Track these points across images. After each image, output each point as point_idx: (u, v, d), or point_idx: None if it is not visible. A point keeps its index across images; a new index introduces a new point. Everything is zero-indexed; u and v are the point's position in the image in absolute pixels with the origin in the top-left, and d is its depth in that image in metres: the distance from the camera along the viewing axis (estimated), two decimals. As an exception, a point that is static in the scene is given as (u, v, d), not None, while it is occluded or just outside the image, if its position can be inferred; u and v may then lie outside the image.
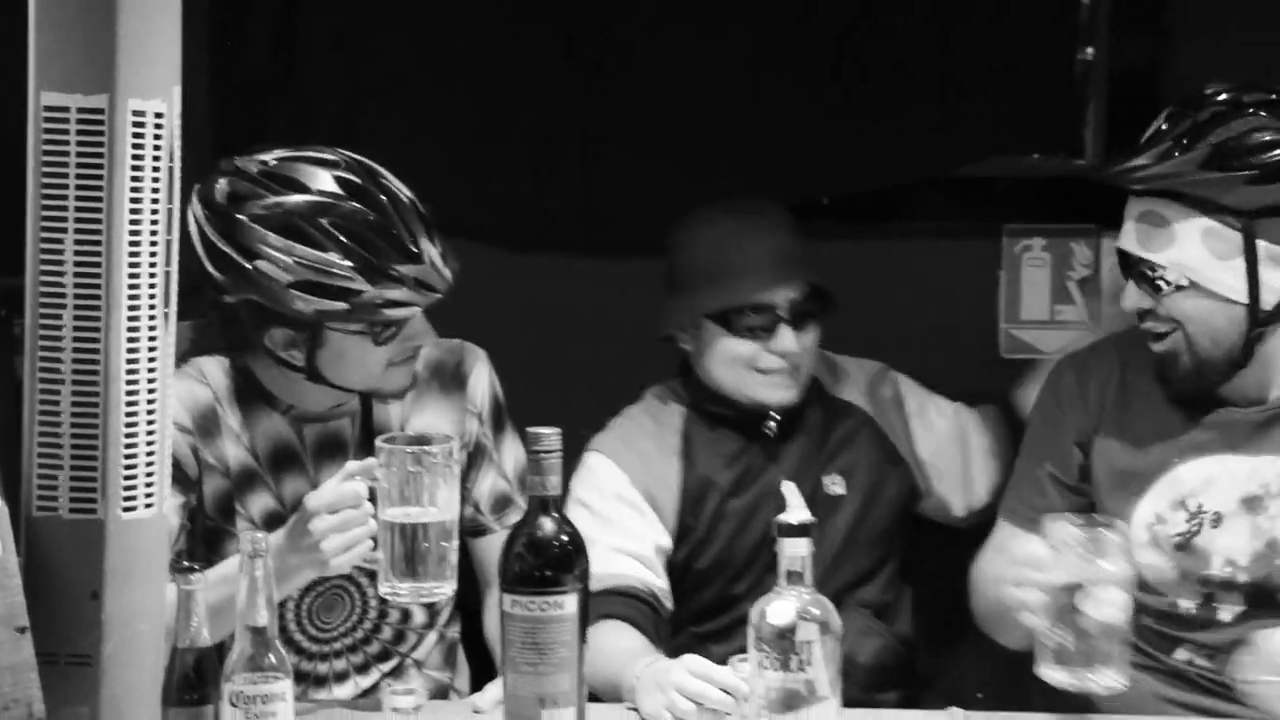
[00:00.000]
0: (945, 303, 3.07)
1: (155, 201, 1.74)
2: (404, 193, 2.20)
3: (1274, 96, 2.22)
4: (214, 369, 2.31)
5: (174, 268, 1.78)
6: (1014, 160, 3.05)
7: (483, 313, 2.47)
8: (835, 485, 2.54)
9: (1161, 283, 2.23)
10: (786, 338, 2.48)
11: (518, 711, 1.83)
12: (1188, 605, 2.28)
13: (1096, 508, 2.33)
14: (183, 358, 2.24)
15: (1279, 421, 2.26)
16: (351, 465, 2.09)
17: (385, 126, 2.99)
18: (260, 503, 2.30)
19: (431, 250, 2.19)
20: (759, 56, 3.01)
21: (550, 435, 1.85)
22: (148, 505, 1.75)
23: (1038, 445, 2.41)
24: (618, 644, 2.30)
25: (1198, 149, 2.18)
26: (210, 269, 2.20)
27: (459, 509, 2.05)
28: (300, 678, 2.33)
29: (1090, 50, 3.01)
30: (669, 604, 2.47)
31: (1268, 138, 2.19)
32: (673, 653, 2.34)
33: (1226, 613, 2.26)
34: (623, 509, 2.49)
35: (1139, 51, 2.98)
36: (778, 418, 2.53)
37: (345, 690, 2.37)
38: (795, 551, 1.82)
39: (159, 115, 1.73)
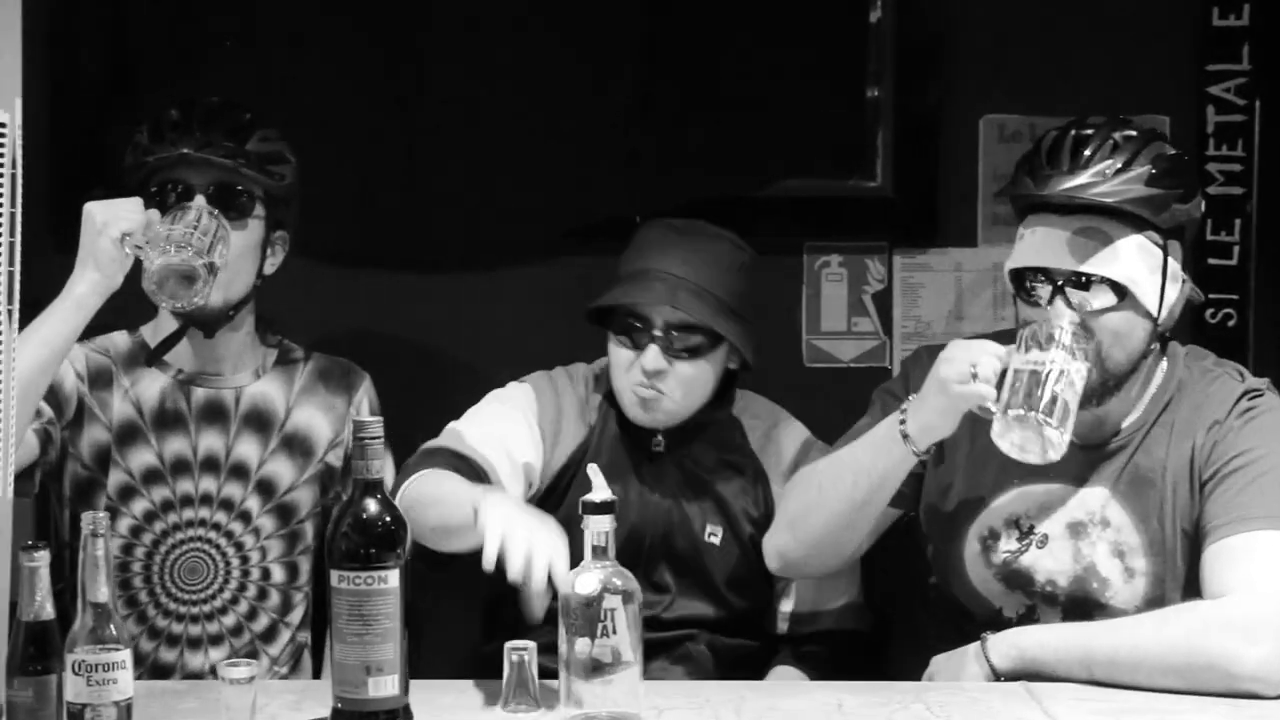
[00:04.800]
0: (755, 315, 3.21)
1: (-1, 206, 1.80)
2: None
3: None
4: (119, 341, 2.55)
5: (16, 268, 1.84)
6: (813, 182, 3.14)
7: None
8: (713, 535, 2.58)
9: (1091, 297, 2.24)
10: (650, 356, 2.48)
11: (345, 679, 1.90)
12: (1010, 614, 2.37)
13: (921, 508, 2.42)
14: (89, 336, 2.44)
15: (1109, 457, 2.33)
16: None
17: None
18: (140, 457, 2.48)
19: None
20: (573, 73, 3.07)
21: (374, 423, 1.93)
22: (-9, 488, 1.79)
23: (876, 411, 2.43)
24: (440, 486, 2.36)
25: (1137, 168, 2.24)
26: None
27: None
28: (172, 641, 2.50)
29: (877, 91, 3.12)
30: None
31: (1186, 159, 2.31)
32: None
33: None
34: (516, 417, 2.53)
35: (921, 91, 3.11)
36: (661, 439, 2.55)
37: (220, 653, 2.49)
38: (600, 528, 1.92)
39: (2, 125, 1.80)
